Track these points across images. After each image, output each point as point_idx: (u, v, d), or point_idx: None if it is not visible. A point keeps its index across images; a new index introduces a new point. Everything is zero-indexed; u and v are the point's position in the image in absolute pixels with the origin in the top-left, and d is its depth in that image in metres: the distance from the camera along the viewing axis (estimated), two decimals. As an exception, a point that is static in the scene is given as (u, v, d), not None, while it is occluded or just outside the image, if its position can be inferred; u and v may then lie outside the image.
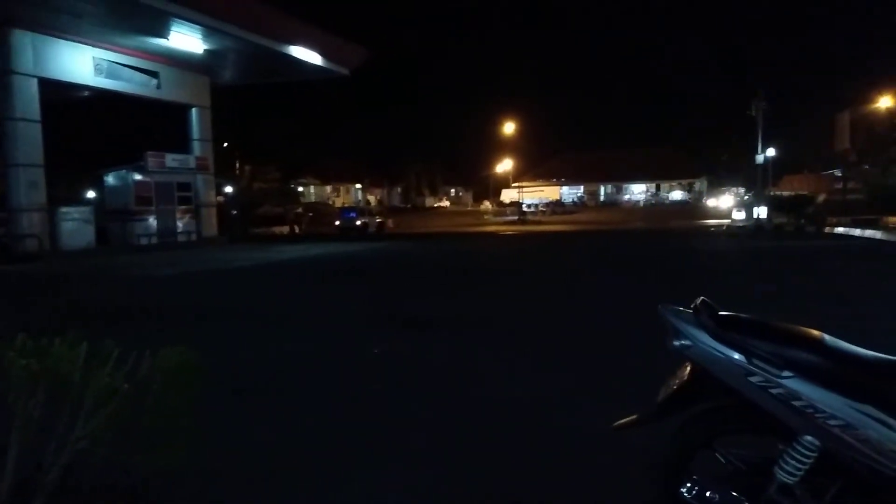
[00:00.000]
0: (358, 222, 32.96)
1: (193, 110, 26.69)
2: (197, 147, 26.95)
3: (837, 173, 40.05)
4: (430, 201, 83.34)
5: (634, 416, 2.33)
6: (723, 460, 2.23)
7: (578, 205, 69.66)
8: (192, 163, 26.25)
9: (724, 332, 2.10)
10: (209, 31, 21.43)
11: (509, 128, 57.02)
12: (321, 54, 25.73)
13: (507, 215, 49.22)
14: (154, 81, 24.58)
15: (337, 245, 23.45)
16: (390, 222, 37.31)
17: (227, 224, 28.99)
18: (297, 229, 34.72)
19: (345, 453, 3.82)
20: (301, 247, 22.97)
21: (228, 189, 36.28)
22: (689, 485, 2.18)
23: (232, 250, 21.77)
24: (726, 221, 31.24)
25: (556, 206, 58.60)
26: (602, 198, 79.03)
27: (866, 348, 2.06)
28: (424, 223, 43.76)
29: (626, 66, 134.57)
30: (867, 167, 34.11)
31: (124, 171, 24.30)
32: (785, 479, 2.05)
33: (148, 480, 2.91)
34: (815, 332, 2.11)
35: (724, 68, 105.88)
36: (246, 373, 5.72)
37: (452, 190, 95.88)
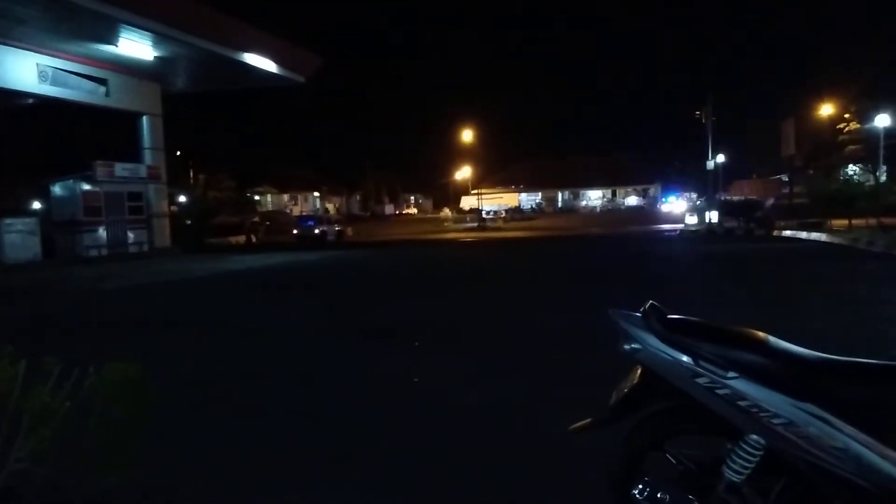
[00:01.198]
0: (316, 231, 32.62)
1: (144, 118, 26.05)
2: (148, 156, 26.30)
3: (784, 178, 41.46)
4: (389, 209, 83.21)
5: (589, 420, 2.35)
6: (673, 461, 2.26)
7: (537, 211, 70.50)
8: (143, 172, 25.62)
9: (672, 335, 2.14)
10: (160, 38, 20.96)
11: (468, 135, 57.35)
12: (276, 62, 25.44)
13: (466, 222, 49.47)
14: (102, 89, 23.91)
15: (295, 254, 23.15)
16: (350, 230, 37.05)
17: (181, 234, 28.34)
18: (253, 238, 34.18)
19: (299, 465, 3.76)
20: (258, 256, 22.59)
21: (182, 199, 35.51)
22: (640, 486, 2.21)
23: (186, 261, 21.27)
24: (680, 226, 32.03)
25: (515, 213, 59.21)
26: (560, 204, 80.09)
27: (807, 348, 2.12)
28: (384, 231, 43.58)
29: (582, 76, 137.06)
30: (811, 172, 35.45)
31: (72, 180, 23.54)
32: (732, 478, 2.09)
33: (93, 501, 2.80)
34: (759, 334, 2.16)
35: (676, 78, 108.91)
36: (195, 385, 5.59)
37: (412, 197, 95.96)
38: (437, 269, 17.17)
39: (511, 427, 4.27)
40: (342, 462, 3.79)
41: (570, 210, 75.06)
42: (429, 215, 76.07)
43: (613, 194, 79.65)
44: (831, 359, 2.06)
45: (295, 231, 33.45)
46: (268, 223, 37.59)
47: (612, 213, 66.34)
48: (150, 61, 22.79)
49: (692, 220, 31.29)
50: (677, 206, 51.88)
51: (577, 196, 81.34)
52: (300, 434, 4.32)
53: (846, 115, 33.02)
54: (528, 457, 3.77)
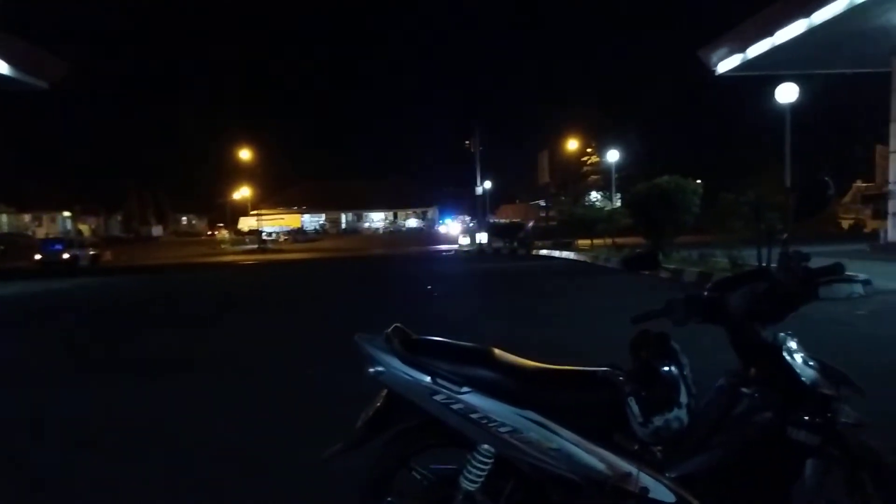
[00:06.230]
0: (66, 255, 28.80)
1: None
2: None
3: (542, 203, 46.34)
4: (157, 230, 76.44)
5: (340, 445, 2.34)
6: (419, 476, 2.34)
7: (320, 233, 69.98)
8: None
9: (413, 355, 2.23)
10: None
11: (246, 154, 55.02)
12: (10, 64, 22.09)
13: (245, 244, 47.40)
14: None
15: (33, 283, 20.07)
16: (108, 254, 33.37)
17: None
18: (-19, 265, 29.08)
19: None
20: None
21: None
22: (384, 505, 2.25)
23: None
24: (455, 246, 34.05)
25: (298, 235, 58.18)
26: (344, 226, 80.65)
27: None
28: (152, 254, 39.87)
29: (360, 99, 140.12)
30: (563, 198, 40.16)
31: None
32: (468, 487, 2.22)
33: None
34: (490, 349, 2.33)
35: (447, 106, 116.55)
36: None
37: (184, 218, 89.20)
38: (206, 296, 16.07)
39: (271, 457, 4.12)
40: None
41: (353, 231, 75.86)
42: (210, 236, 71.17)
43: (395, 216, 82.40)
44: (545, 368, 2.30)
45: (38, 256, 29.15)
46: (2, 248, 32.21)
47: (393, 234, 68.36)
48: None
49: (465, 240, 33.55)
50: (453, 228, 55.12)
51: (360, 218, 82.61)
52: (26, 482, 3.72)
53: (588, 150, 38.11)
54: (285, 484, 3.67)
